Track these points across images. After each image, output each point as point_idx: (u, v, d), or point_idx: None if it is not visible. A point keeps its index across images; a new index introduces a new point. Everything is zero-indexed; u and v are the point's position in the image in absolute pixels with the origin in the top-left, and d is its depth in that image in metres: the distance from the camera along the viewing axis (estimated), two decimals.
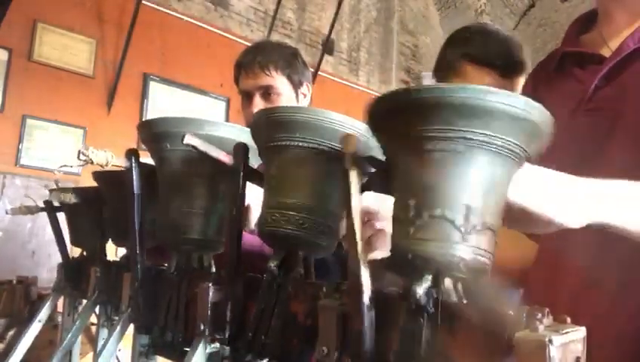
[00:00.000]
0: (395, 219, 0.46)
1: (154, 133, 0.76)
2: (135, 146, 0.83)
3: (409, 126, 0.43)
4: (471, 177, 0.43)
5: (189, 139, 0.66)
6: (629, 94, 0.77)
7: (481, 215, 0.43)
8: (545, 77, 0.94)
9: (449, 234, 0.42)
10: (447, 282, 0.45)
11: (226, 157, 0.68)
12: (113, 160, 0.86)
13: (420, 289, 0.44)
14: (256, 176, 0.68)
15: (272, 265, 0.62)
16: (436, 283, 0.45)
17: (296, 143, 0.59)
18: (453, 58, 1.28)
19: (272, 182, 0.63)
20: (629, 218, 0.60)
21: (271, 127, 0.61)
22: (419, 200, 0.44)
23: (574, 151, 0.78)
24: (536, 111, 0.43)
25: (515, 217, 0.52)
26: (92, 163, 0.84)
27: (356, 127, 0.59)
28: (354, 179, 0.49)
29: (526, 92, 0.98)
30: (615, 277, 0.74)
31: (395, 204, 0.47)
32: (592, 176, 0.57)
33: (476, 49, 1.24)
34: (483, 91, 0.41)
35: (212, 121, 0.74)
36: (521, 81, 1.20)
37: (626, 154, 0.74)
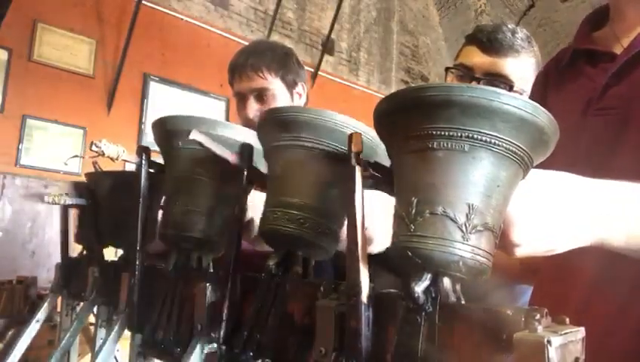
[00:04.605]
0: (397, 217, 0.46)
1: (167, 130, 0.76)
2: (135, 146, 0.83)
3: (416, 123, 0.44)
4: (474, 177, 0.43)
5: (195, 135, 0.67)
6: None
7: (482, 215, 0.43)
8: (556, 74, 0.92)
9: (450, 232, 0.42)
10: (446, 282, 0.45)
11: (231, 156, 0.69)
12: (124, 155, 0.86)
13: (419, 288, 0.44)
14: (259, 178, 0.68)
15: (271, 263, 0.61)
16: (435, 282, 0.44)
17: (301, 143, 0.59)
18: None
19: (275, 182, 0.63)
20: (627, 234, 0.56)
21: (276, 126, 0.61)
22: (421, 197, 0.44)
23: (584, 152, 0.76)
24: (543, 116, 0.43)
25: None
26: (103, 155, 0.84)
27: (360, 128, 0.59)
28: (358, 177, 0.49)
29: (536, 89, 0.96)
30: (624, 284, 0.71)
31: (397, 201, 0.47)
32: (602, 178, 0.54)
33: (472, 31, 1.26)
34: (490, 92, 0.41)
35: (225, 123, 0.75)
36: (513, 63, 1.17)
37: (638, 154, 0.72)
